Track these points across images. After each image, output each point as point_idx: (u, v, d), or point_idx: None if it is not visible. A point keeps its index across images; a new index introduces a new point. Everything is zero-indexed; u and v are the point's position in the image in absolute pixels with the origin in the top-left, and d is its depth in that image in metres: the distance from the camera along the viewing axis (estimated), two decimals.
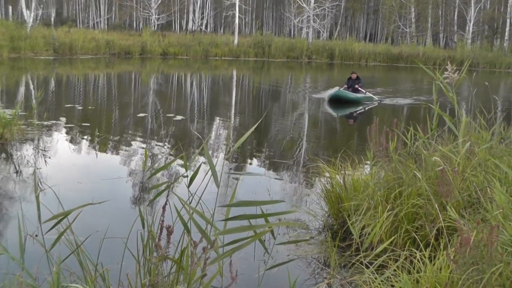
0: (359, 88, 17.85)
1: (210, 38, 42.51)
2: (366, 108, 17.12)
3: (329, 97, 17.49)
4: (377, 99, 18.19)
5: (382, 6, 59.46)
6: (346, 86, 17.89)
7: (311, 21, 44.77)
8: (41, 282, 3.52)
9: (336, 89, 17.50)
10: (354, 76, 18.15)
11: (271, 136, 12.20)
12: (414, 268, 3.78)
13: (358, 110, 16.89)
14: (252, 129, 3.26)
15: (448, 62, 5.63)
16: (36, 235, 3.37)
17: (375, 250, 4.20)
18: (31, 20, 35.64)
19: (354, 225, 5.01)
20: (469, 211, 4.51)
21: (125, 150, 9.84)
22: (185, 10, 55.98)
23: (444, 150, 5.12)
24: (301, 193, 7.46)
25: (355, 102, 17.56)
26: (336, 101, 17.25)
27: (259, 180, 7.62)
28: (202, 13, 56.21)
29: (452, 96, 5.39)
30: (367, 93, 18.20)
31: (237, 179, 7.65)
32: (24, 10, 36.49)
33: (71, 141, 10.22)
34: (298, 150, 10.66)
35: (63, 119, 12.49)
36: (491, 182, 4.56)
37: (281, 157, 9.80)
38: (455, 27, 53.28)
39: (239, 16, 46.11)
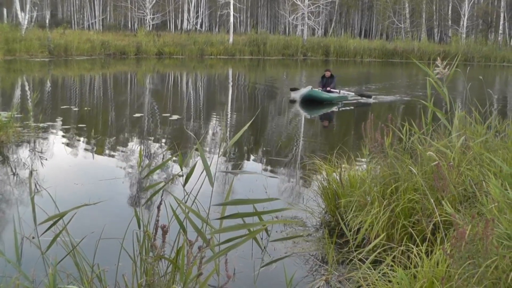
0: (331, 90, 16.77)
1: (205, 37, 42.48)
2: (340, 109, 16.01)
3: (301, 98, 16.38)
4: (352, 95, 17.13)
5: (376, 2, 59.58)
6: (320, 85, 16.90)
7: (306, 18, 44.76)
8: (38, 284, 3.52)
9: (308, 88, 16.38)
10: (328, 74, 17.05)
11: (266, 134, 12.21)
12: (411, 263, 3.79)
13: (333, 110, 15.85)
14: (246, 127, 3.26)
15: (438, 58, 5.63)
16: (33, 237, 3.37)
17: (371, 245, 4.21)
18: (26, 22, 35.59)
19: (350, 223, 5.02)
20: (465, 205, 4.51)
21: (121, 151, 9.83)
22: (180, 10, 55.93)
23: (439, 145, 5.13)
24: (297, 190, 7.47)
25: (329, 102, 16.45)
26: (309, 102, 16.24)
27: (255, 178, 7.63)
28: (197, 12, 56.18)
29: (443, 91, 5.40)
30: (341, 91, 17.02)
31: (233, 177, 7.65)
32: (18, 12, 36.42)
33: (67, 143, 10.20)
34: (293, 147, 10.66)
35: (59, 121, 12.47)
36: (486, 176, 4.57)
37: (276, 155, 9.80)
38: (449, 22, 53.38)
39: (234, 14, 46.12)
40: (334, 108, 16.05)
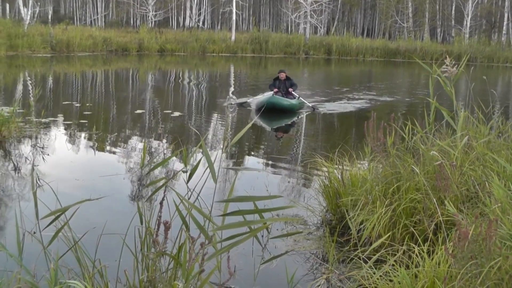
0: (293, 92, 14.38)
1: (207, 35, 42.39)
2: (300, 117, 13.99)
3: (260, 105, 13.67)
4: (310, 105, 14.60)
5: (379, 1, 59.41)
6: (275, 89, 14.22)
7: (308, 16, 44.68)
8: (39, 279, 3.52)
9: (269, 95, 13.89)
10: (282, 76, 14.50)
11: (269, 131, 12.19)
12: (412, 262, 3.78)
13: (294, 120, 13.71)
14: (250, 124, 3.26)
15: (446, 56, 5.61)
16: (34, 232, 3.36)
17: (373, 245, 4.21)
18: (28, 18, 35.54)
19: (352, 220, 5.01)
20: (468, 206, 4.51)
21: (123, 147, 9.83)
22: (182, 7, 55.86)
23: (442, 144, 5.12)
24: (299, 188, 7.46)
25: (289, 111, 13.91)
26: (267, 110, 13.16)
27: (256, 175, 7.62)
28: (199, 10, 56.10)
29: (450, 90, 5.38)
30: (300, 98, 14.52)
31: (235, 174, 7.65)
32: (21, 8, 36.38)
33: (69, 138, 10.20)
34: (296, 145, 10.65)
35: (61, 116, 12.48)
36: (489, 176, 4.56)
37: (279, 152, 9.79)
38: (453, 22, 53.25)
39: (236, 12, 46.06)
40: (294, 118, 13.89)
